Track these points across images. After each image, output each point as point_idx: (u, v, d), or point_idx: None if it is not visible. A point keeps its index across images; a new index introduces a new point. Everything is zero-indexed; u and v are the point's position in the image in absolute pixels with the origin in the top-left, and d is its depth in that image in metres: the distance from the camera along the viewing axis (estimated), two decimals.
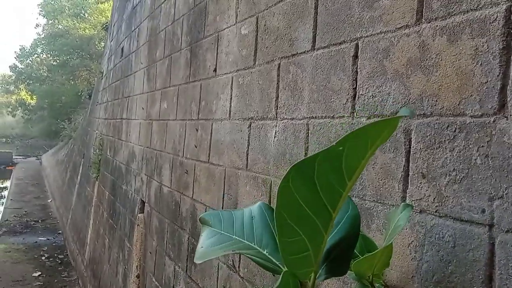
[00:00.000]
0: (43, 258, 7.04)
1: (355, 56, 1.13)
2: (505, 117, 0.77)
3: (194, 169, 2.23)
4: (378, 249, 0.85)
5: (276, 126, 1.49)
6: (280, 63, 1.47)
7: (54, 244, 7.90)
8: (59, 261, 6.91)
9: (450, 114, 0.87)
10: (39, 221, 9.64)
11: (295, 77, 1.38)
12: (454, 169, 0.85)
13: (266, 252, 0.62)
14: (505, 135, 0.77)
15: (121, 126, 4.17)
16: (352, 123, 1.14)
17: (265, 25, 1.60)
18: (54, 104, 27.32)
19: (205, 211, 2.05)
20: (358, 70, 1.11)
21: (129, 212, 3.51)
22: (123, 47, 4.43)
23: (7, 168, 21.01)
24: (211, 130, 2.03)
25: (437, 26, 0.91)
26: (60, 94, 26.49)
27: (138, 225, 3.19)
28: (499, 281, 0.76)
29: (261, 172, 1.56)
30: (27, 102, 34.45)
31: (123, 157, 3.95)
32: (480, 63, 0.81)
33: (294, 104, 1.39)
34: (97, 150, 5.35)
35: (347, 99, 1.16)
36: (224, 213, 0.72)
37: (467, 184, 0.82)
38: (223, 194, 1.86)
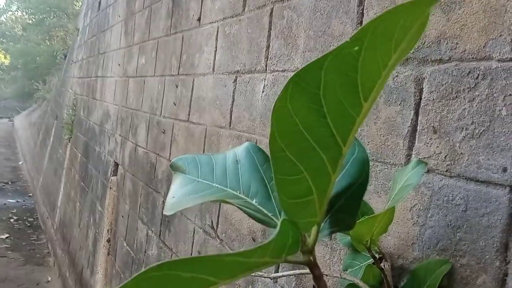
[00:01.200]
0: (11, 220, 6.82)
1: None
2: None
3: (172, 129, 2.08)
4: (379, 212, 0.74)
5: (265, 79, 1.35)
6: (273, 8, 1.31)
7: (23, 206, 7.66)
8: (28, 224, 6.71)
9: (472, 58, 0.75)
10: (9, 183, 9.33)
11: (289, 23, 1.23)
12: (472, 122, 0.74)
13: (256, 202, 0.50)
14: None
15: (96, 84, 3.95)
16: None
17: None
18: (28, 65, 26.21)
19: None
20: (365, 12, 0.98)
21: (102, 175, 3.35)
22: (100, 0, 4.15)
23: None
24: (192, 86, 1.88)
25: None
26: (35, 55, 25.41)
27: (110, 188, 3.03)
28: None
29: (245, 130, 1.43)
30: (0, 62, 33.04)
31: (97, 117, 3.75)
32: None
33: (287, 54, 1.24)
34: (71, 110, 5.10)
35: None
36: (201, 157, 0.59)
37: (487, 139, 0.71)
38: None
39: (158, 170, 2.21)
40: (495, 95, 0.71)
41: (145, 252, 2.27)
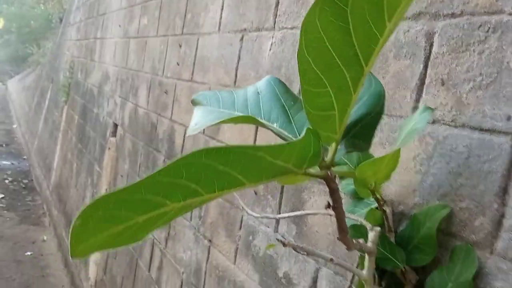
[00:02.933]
0: (6, 181, 6.84)
1: None
2: None
3: (175, 89, 2.09)
4: (384, 154, 0.77)
5: (273, 37, 1.36)
6: None
7: (18, 169, 7.67)
8: (23, 186, 6.74)
9: (484, 12, 0.77)
10: (3, 145, 9.30)
11: None
12: (480, 73, 0.77)
13: (277, 126, 0.52)
14: None
15: (95, 46, 3.90)
16: None
17: None
18: (22, 29, 25.63)
19: (184, 133, 1.95)
20: None
21: (100, 136, 3.36)
22: None
23: None
24: (197, 45, 1.88)
25: None
26: (30, 18, 24.81)
27: (109, 148, 3.05)
28: None
29: None
30: None
31: (96, 79, 3.73)
32: None
33: (297, 11, 1.25)
34: (67, 73, 5.05)
35: None
36: (222, 92, 0.61)
37: (493, 90, 0.74)
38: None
39: (159, 130, 2.23)
40: (504, 47, 0.73)
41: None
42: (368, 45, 0.42)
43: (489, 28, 0.76)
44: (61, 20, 9.56)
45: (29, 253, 4.61)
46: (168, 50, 2.19)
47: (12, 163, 7.97)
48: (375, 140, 0.97)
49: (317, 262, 1.11)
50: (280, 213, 1.25)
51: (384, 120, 0.95)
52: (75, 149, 4.25)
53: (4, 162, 7.94)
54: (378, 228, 0.76)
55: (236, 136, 1.52)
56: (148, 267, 2.21)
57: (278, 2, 1.34)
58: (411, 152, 0.88)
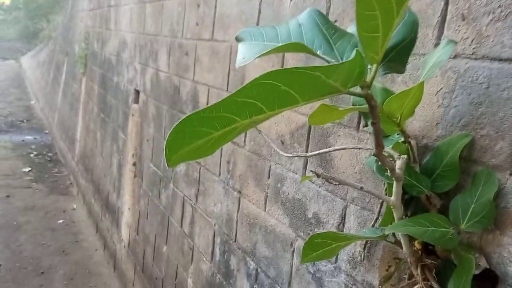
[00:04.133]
0: (31, 155, 7.07)
1: None
2: None
3: (195, 49, 2.14)
4: (410, 87, 0.82)
5: None
6: None
7: (41, 142, 7.89)
8: (49, 159, 6.96)
9: None
10: (24, 121, 9.53)
11: None
12: (499, 5, 0.80)
13: (320, 52, 0.58)
14: None
15: (109, 14, 3.93)
16: None
17: None
18: (29, 4, 25.58)
19: (208, 92, 2.01)
20: None
21: (122, 104, 3.45)
22: None
23: None
24: (216, 3, 1.91)
25: None
26: None
27: (133, 115, 3.15)
28: None
29: None
30: (0, 2, 32.18)
31: (113, 48, 3.78)
32: None
33: None
34: (83, 44, 5.11)
35: None
36: (265, 27, 0.67)
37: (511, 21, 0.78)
38: (229, 71, 1.80)
39: (182, 92, 2.30)
40: None
41: (172, 169, 2.42)
42: None
43: None
44: None
45: (61, 221, 4.84)
46: (186, 11, 2.22)
47: (35, 138, 8.19)
48: (398, 79, 1.02)
49: (344, 200, 1.18)
50: (307, 159, 1.32)
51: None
52: (97, 118, 4.37)
53: (28, 137, 8.17)
54: (405, 156, 0.82)
55: None
56: (180, 223, 2.34)
57: None
58: (433, 87, 0.93)
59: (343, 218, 1.19)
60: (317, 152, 0.93)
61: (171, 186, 2.46)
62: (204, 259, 2.04)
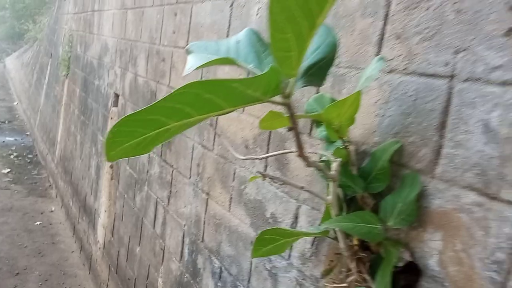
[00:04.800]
0: (11, 156, 7.03)
1: None
2: None
3: (172, 56, 2.22)
4: (346, 97, 0.91)
5: (259, 2, 1.48)
6: None
7: (22, 144, 7.84)
8: (29, 160, 6.93)
9: None
10: (6, 122, 9.45)
11: None
12: (427, 27, 0.90)
13: (251, 67, 0.67)
14: None
15: (93, 19, 3.99)
16: None
17: None
18: (16, 4, 25.36)
19: None
20: None
21: (102, 107, 3.50)
22: None
23: None
24: (191, 13, 2.00)
25: None
26: None
27: (111, 118, 3.20)
28: (451, 125, 0.85)
29: None
30: None
31: (95, 52, 3.83)
32: None
33: None
34: (66, 47, 5.14)
35: None
36: (209, 42, 0.76)
37: (436, 40, 0.88)
38: (201, 77, 1.89)
39: (159, 97, 2.37)
40: (445, 2, 0.87)
41: (147, 172, 2.49)
42: (320, 5, 0.56)
43: None
44: None
45: (38, 222, 4.83)
46: (164, 19, 2.31)
47: (16, 139, 8.13)
48: (344, 91, 1.11)
49: (297, 200, 1.27)
50: (267, 163, 1.41)
51: (352, 72, 1.09)
52: (78, 121, 4.40)
53: (8, 138, 8.11)
54: (339, 159, 0.91)
55: None
56: (153, 224, 2.40)
57: None
58: (372, 98, 1.02)
59: (296, 217, 1.28)
60: (266, 155, 1.01)
61: (145, 189, 2.52)
62: (174, 259, 2.10)
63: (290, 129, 0.67)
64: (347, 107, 0.92)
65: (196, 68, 0.66)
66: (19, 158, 7.04)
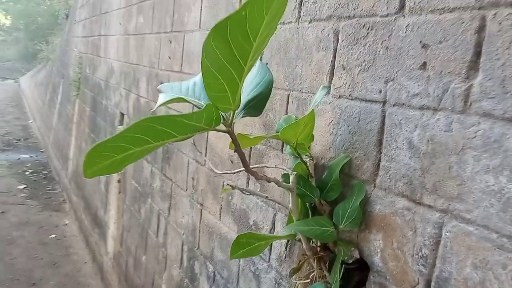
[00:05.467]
0: (27, 173, 7.31)
1: None
2: (403, 15, 0.98)
3: (168, 80, 2.41)
4: (299, 119, 1.09)
5: None
6: None
7: (37, 161, 8.14)
8: (43, 176, 7.20)
9: (366, 15, 1.07)
10: (21, 140, 9.79)
11: None
12: (364, 60, 1.08)
13: (202, 102, 0.85)
14: (400, 30, 0.98)
15: (100, 43, 4.24)
16: (297, 27, 1.33)
17: None
18: (29, 25, 26.16)
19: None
20: None
21: (109, 125, 3.72)
22: None
23: None
24: (183, 41, 2.20)
25: None
26: (36, 15, 25.27)
27: None
28: (385, 143, 1.02)
29: None
30: (1, 23, 32.81)
31: (102, 73, 4.07)
32: None
33: None
34: (77, 68, 5.41)
35: (295, 6, 1.34)
36: (174, 83, 0.94)
37: (371, 71, 1.05)
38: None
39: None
40: (377, 40, 1.04)
41: (150, 185, 2.68)
42: (244, 54, 0.74)
43: (369, 27, 1.06)
44: (67, 16, 9.90)
45: (53, 235, 5.06)
46: (161, 45, 2.51)
47: (31, 156, 8.44)
48: (307, 112, 1.29)
49: (274, 209, 1.44)
50: (249, 176, 1.58)
51: (311, 97, 1.27)
52: (88, 138, 4.63)
53: (24, 156, 8.42)
54: (295, 173, 1.08)
55: None
56: (156, 234, 2.58)
57: (240, 5, 1.64)
58: (327, 119, 1.20)
59: (273, 224, 1.45)
60: (237, 170, 1.18)
61: (149, 201, 2.71)
62: (175, 265, 2.28)
63: (235, 150, 0.84)
64: (302, 128, 1.09)
65: (161, 105, 0.84)
66: (34, 174, 7.32)
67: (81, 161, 3.04)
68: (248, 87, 0.84)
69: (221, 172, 1.20)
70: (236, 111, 0.79)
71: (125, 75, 3.28)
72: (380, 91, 1.03)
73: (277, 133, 1.18)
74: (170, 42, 2.35)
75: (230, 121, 0.79)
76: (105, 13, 4.05)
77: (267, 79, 0.86)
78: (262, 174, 0.98)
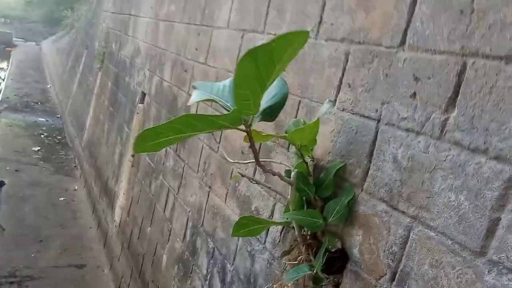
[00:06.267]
0: (42, 136, 7.59)
1: None
2: (403, 49, 1.16)
3: (193, 69, 2.61)
4: (305, 125, 1.27)
5: (262, 39, 1.85)
6: None
7: (52, 126, 8.41)
8: (57, 141, 7.47)
9: (373, 43, 1.25)
10: (39, 103, 10.08)
11: (281, 1, 1.72)
12: (367, 82, 1.26)
13: (229, 104, 1.04)
14: (399, 61, 1.16)
15: (129, 22, 4.43)
16: (315, 43, 1.51)
17: None
18: None
19: (197, 104, 2.47)
20: (326, 2, 1.47)
21: (130, 102, 3.93)
22: None
23: (7, 49, 20.95)
24: (211, 36, 2.38)
25: None
26: None
27: (137, 113, 3.62)
28: (375, 154, 1.21)
29: None
30: None
31: (128, 52, 4.27)
32: (397, 9, 1.18)
33: (278, 23, 1.74)
34: (103, 42, 5.61)
35: (315, 23, 1.52)
36: (207, 83, 1.14)
37: (371, 93, 1.24)
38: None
39: (179, 101, 2.77)
40: (380, 67, 1.22)
41: (163, 163, 2.89)
42: (268, 75, 0.93)
43: (374, 54, 1.24)
44: None
45: (62, 198, 5.32)
46: (190, 36, 2.70)
47: (47, 120, 8.72)
48: (314, 118, 1.47)
49: (274, 199, 1.64)
50: (256, 169, 1.78)
51: (319, 106, 1.45)
52: (107, 111, 4.85)
53: (40, 119, 8.70)
54: (296, 170, 1.28)
55: None
56: (163, 209, 2.80)
57: (267, 13, 1.82)
58: (330, 128, 1.38)
59: (272, 211, 1.65)
60: (249, 161, 1.38)
61: (160, 178, 2.92)
62: (178, 239, 2.49)
63: (249, 146, 1.04)
64: (308, 133, 1.28)
65: (195, 102, 1.03)
66: (49, 138, 7.59)
67: (97, 132, 3.31)
68: (267, 97, 1.03)
69: (233, 161, 1.40)
70: (255, 116, 0.98)
71: (151, 57, 3.48)
72: (377, 111, 1.21)
73: (286, 134, 1.38)
74: (198, 34, 2.54)
75: (249, 123, 0.98)
76: None
77: (283, 92, 1.04)
78: (269, 168, 1.17)
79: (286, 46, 0.86)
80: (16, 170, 5.85)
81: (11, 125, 7.92)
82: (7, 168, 5.85)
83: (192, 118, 0.90)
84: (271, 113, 1.02)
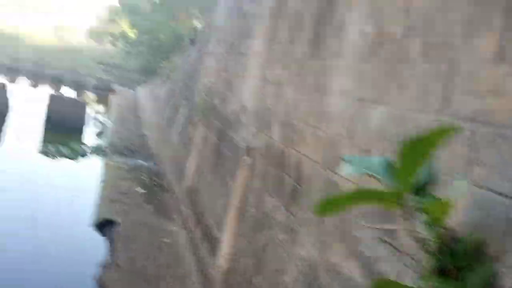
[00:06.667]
0: (143, 178, 8.30)
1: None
2: None
3: (302, 130, 2.83)
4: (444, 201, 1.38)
5: (381, 112, 2.02)
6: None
7: (151, 170, 9.18)
8: (156, 184, 8.12)
9: (501, 126, 1.36)
10: (138, 148, 11.08)
11: (401, 74, 1.89)
12: (496, 161, 1.35)
13: (385, 181, 1.21)
14: None
15: (233, 80, 4.87)
16: (438, 120, 1.64)
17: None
18: (152, 42, 29.18)
19: (306, 162, 2.67)
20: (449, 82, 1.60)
21: (234, 156, 4.26)
22: (242, 8, 5.02)
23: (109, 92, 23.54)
24: (322, 102, 2.60)
25: None
26: (159, 32, 28.10)
27: (243, 167, 3.92)
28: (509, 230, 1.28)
29: (360, 143, 2.12)
30: (127, 35, 36.97)
31: (233, 109, 4.67)
32: None
33: (395, 95, 1.90)
34: (205, 96, 6.16)
35: (442, 98, 1.66)
36: (359, 157, 1.33)
37: (501, 171, 1.33)
38: (323, 151, 2.45)
39: (288, 159, 2.99)
40: (508, 148, 1.31)
41: (272, 217, 3.09)
42: (422, 159, 1.09)
43: (500, 135, 1.34)
44: (191, 41, 11.12)
45: (165, 239, 5.74)
46: (300, 99, 2.95)
47: (147, 164, 9.54)
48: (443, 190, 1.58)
49: (404, 264, 1.73)
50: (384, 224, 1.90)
51: (447, 179, 1.56)
52: (208, 163, 5.26)
53: (141, 162, 9.55)
54: (438, 241, 1.38)
55: None
56: (270, 262, 2.97)
57: (386, 86, 1.99)
58: (464, 201, 1.48)
59: (399, 276, 1.74)
60: (386, 226, 1.51)
61: (267, 230, 3.12)
62: None
63: (403, 218, 1.19)
64: (442, 208, 1.39)
65: (350, 173, 1.22)
66: (149, 181, 8.29)
67: (198, 180, 3.64)
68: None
69: (375, 227, 1.54)
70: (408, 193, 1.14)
71: (258, 116, 3.79)
72: (508, 188, 1.30)
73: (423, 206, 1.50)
74: (309, 98, 2.77)
75: (405, 200, 1.13)
76: (243, 55, 4.67)
77: (432, 173, 1.19)
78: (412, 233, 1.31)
79: (434, 145, 1.02)
80: (123, 210, 6.46)
81: (118, 168, 8.79)
82: (116, 207, 6.49)
83: (365, 192, 1.09)
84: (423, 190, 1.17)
